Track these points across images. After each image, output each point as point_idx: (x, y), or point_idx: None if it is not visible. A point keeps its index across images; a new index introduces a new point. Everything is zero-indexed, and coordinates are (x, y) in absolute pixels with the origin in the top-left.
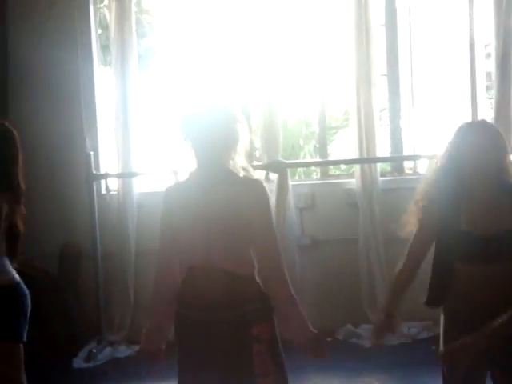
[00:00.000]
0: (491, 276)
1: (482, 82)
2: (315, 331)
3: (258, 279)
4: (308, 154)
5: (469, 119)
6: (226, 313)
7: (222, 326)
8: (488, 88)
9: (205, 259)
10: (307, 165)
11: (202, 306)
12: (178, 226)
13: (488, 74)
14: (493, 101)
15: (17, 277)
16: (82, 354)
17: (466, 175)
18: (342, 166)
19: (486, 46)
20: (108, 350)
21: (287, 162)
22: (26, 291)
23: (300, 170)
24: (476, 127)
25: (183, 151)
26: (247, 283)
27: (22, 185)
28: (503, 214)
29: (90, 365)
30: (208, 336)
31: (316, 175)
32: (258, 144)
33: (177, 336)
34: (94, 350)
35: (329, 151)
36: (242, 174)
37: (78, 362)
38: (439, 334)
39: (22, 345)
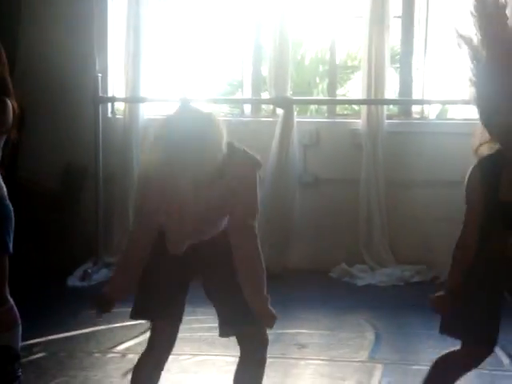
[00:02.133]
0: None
1: None
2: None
3: None
4: (321, 92)
5: None
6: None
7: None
8: None
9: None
10: (313, 102)
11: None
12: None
13: None
14: None
15: (4, 191)
16: (77, 272)
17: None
18: (353, 107)
19: None
20: (103, 271)
21: (294, 98)
22: (11, 205)
23: (312, 107)
24: None
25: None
26: None
27: (8, 81)
28: None
29: (85, 284)
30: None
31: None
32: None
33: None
34: (90, 270)
35: (345, 90)
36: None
37: (73, 281)
38: (432, 279)
39: (7, 257)
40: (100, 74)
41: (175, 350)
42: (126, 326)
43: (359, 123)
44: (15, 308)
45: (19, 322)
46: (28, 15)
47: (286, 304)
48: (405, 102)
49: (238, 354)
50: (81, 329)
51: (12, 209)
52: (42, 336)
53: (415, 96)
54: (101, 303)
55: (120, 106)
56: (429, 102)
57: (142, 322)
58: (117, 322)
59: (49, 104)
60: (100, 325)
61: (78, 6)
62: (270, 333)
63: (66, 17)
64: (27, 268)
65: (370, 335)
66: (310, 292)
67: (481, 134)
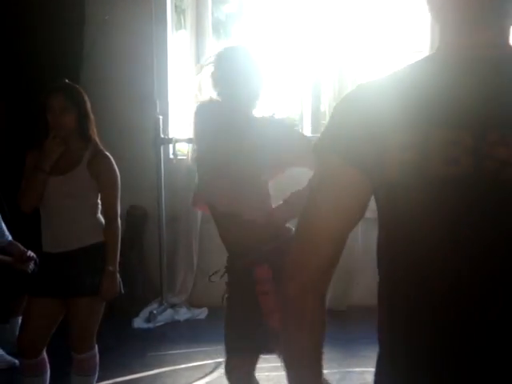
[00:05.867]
0: None
1: None
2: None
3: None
4: None
5: None
6: (239, 261)
7: (236, 272)
8: None
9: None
10: None
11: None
12: None
13: None
14: None
15: None
16: (143, 314)
17: None
18: None
19: None
20: (169, 312)
21: None
22: None
23: None
24: None
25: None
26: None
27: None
28: None
29: (150, 325)
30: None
31: None
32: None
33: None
34: (155, 312)
35: None
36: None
37: (138, 322)
38: None
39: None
40: (161, 116)
41: None
42: (192, 366)
43: None
44: (98, 356)
45: (97, 370)
46: (90, 58)
47: (352, 342)
48: None
49: None
50: (147, 370)
51: None
52: (109, 378)
53: None
54: None
55: (181, 147)
56: None
57: (208, 362)
58: (182, 363)
59: (110, 146)
60: (165, 366)
61: (138, 47)
62: (337, 372)
63: (126, 59)
64: None
65: None
66: (376, 329)
67: None
